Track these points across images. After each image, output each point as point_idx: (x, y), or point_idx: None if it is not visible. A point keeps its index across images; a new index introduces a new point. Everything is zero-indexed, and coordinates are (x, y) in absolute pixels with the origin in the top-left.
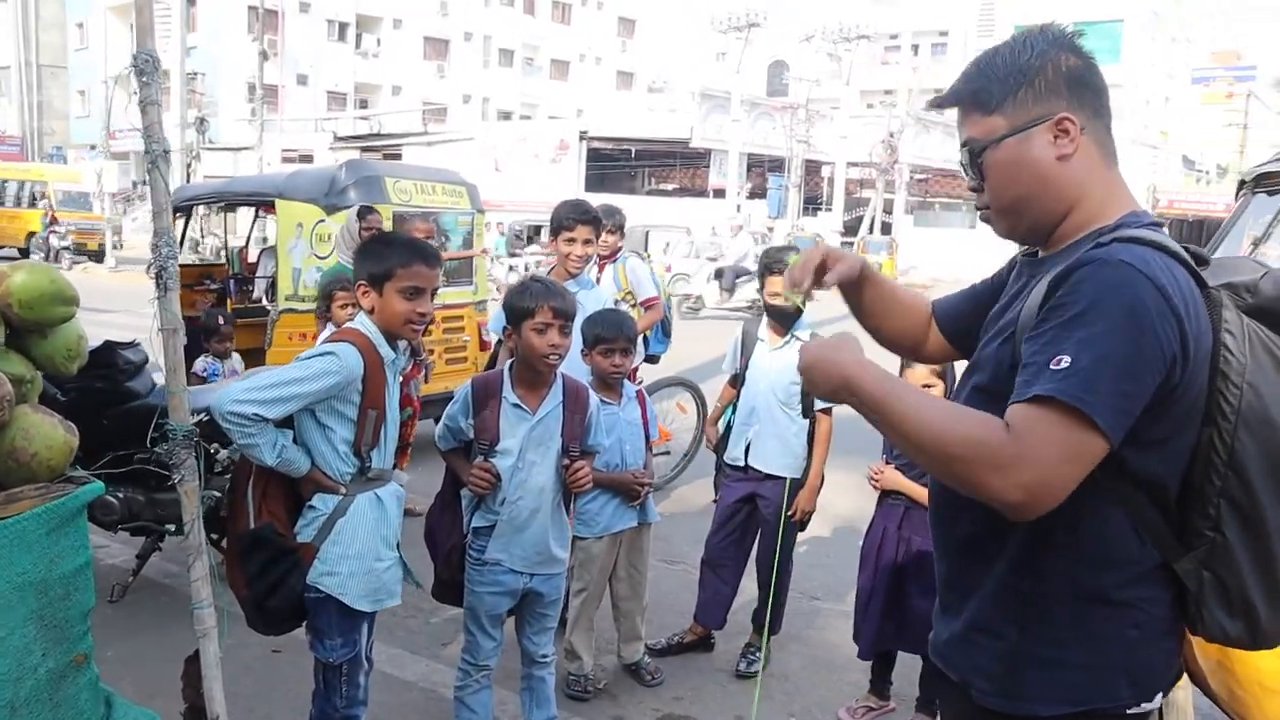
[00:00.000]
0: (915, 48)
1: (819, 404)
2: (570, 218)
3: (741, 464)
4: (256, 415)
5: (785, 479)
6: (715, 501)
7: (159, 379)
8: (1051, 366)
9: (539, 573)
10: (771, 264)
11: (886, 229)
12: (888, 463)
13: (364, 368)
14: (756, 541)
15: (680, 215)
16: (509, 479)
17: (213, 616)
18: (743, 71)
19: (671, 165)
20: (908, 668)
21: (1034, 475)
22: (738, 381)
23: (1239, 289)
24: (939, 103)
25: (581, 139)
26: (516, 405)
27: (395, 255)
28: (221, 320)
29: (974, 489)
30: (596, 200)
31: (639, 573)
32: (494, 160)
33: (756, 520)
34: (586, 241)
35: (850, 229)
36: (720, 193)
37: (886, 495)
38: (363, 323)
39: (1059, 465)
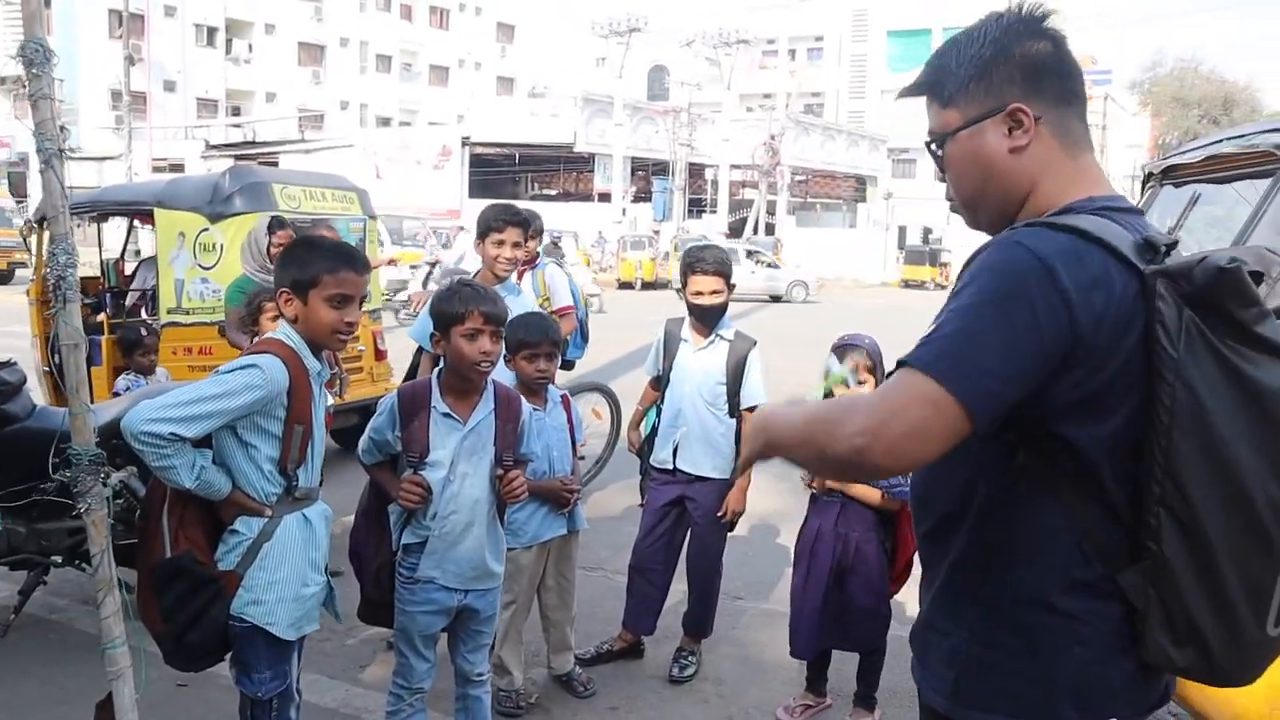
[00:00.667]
0: (792, 52)
1: (745, 402)
2: (500, 219)
3: (669, 466)
4: (173, 435)
5: (715, 480)
6: (641, 506)
7: (39, 399)
8: (927, 336)
9: (474, 589)
10: (694, 262)
11: (770, 230)
12: None
13: (289, 380)
14: (685, 544)
15: (566, 220)
16: (440, 492)
17: (127, 656)
18: (624, 76)
19: (555, 170)
20: (841, 662)
21: (876, 420)
22: (659, 383)
23: (1176, 277)
24: (905, 93)
25: (464, 145)
26: (447, 415)
27: (321, 261)
28: (144, 332)
29: (838, 456)
30: (479, 207)
31: (568, 581)
32: (375, 167)
33: (685, 523)
34: (515, 244)
35: (735, 230)
36: (606, 196)
37: (822, 493)
38: (285, 333)
39: (914, 422)
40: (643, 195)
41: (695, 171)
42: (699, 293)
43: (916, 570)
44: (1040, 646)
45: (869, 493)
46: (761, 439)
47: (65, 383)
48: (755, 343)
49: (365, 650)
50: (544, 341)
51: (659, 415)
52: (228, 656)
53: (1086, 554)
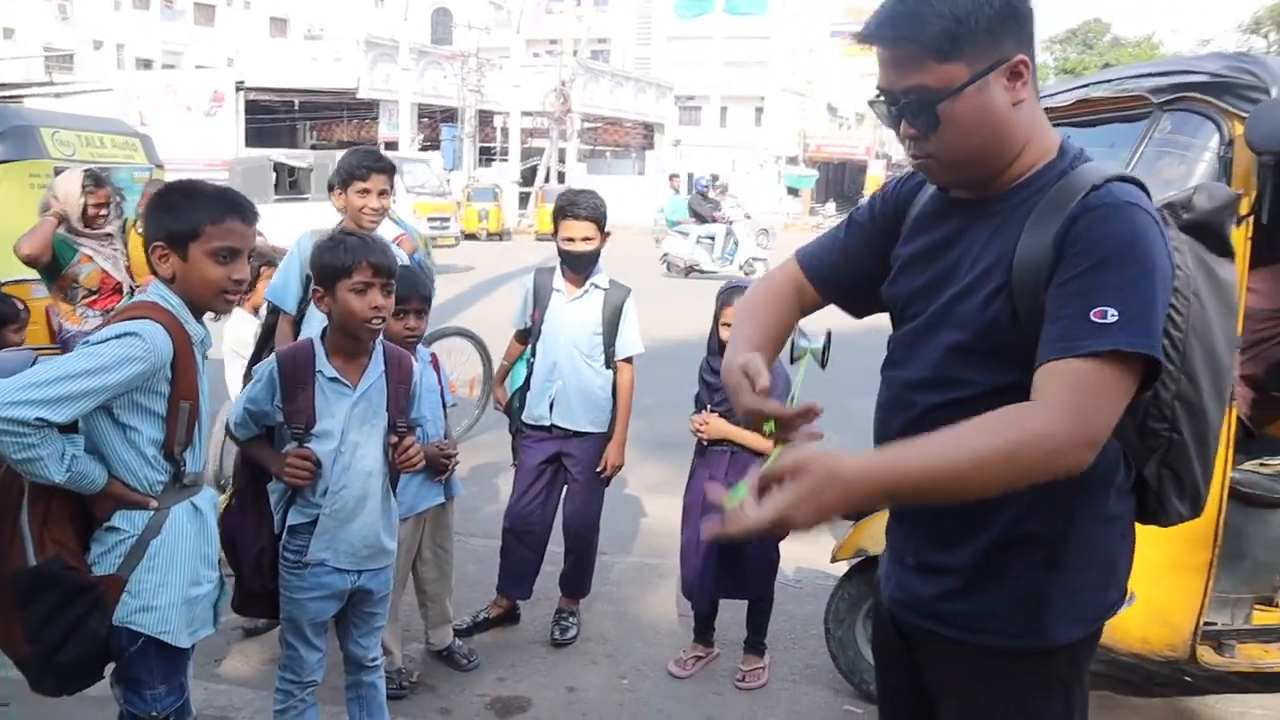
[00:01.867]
0: None
1: (621, 352)
2: (364, 165)
3: (546, 423)
4: (40, 420)
5: (594, 434)
6: (514, 465)
7: None
8: (1094, 318)
9: (367, 568)
10: (566, 207)
11: (561, 178)
12: (711, 410)
13: (173, 350)
14: (562, 502)
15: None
16: (331, 465)
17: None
18: (409, 19)
19: (338, 117)
20: (723, 610)
21: (1097, 431)
22: (527, 336)
23: (1175, 208)
24: (875, 38)
25: (238, 90)
26: (335, 380)
27: (204, 209)
28: (20, 305)
29: (1051, 476)
30: (255, 157)
31: (445, 552)
32: (139, 113)
33: (560, 480)
34: (382, 193)
35: (526, 179)
36: (392, 145)
37: (711, 444)
38: (160, 294)
39: (1113, 412)
40: (431, 144)
41: (485, 119)
42: (571, 239)
43: None
44: (1105, 553)
45: (761, 441)
46: (860, 497)
47: None
48: (630, 290)
49: (218, 642)
50: (413, 297)
51: (529, 370)
52: (108, 674)
53: (1127, 463)
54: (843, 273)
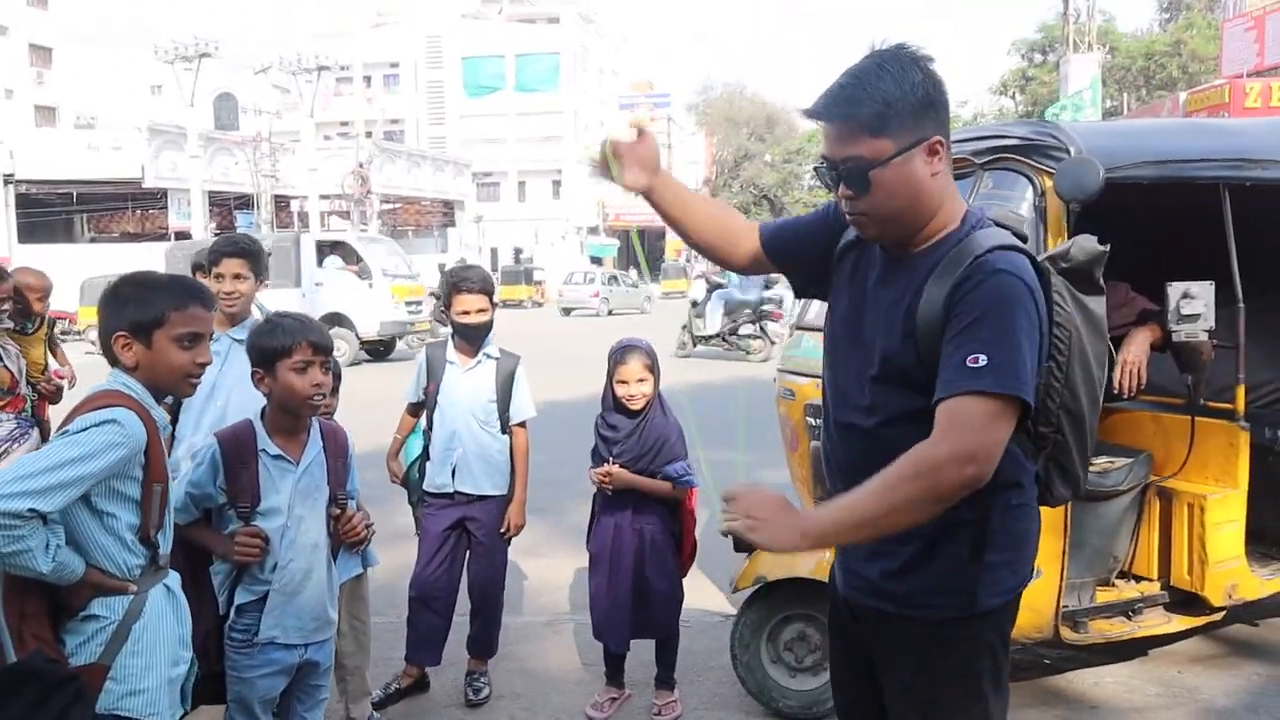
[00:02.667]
0: (368, 79)
1: (515, 417)
2: (216, 251)
3: (449, 490)
4: (32, 511)
5: (496, 496)
6: (418, 534)
7: None
8: (969, 364)
9: (314, 640)
10: (459, 282)
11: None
12: (612, 462)
13: (146, 435)
14: (466, 566)
15: (137, 262)
16: (279, 540)
17: None
18: (193, 105)
19: (121, 208)
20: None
21: (972, 449)
22: (419, 409)
23: (1056, 259)
24: (823, 115)
25: (8, 183)
26: (279, 457)
27: (165, 298)
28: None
29: (953, 495)
30: (32, 252)
31: (362, 624)
32: None
33: (464, 545)
34: (237, 276)
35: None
36: (184, 234)
37: (613, 493)
38: (123, 382)
39: (999, 440)
40: (225, 230)
41: (281, 203)
42: (466, 312)
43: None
44: (1018, 536)
45: (661, 486)
46: (798, 542)
47: None
48: (519, 358)
49: None
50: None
51: (426, 441)
52: None
53: (1026, 461)
54: (788, 242)
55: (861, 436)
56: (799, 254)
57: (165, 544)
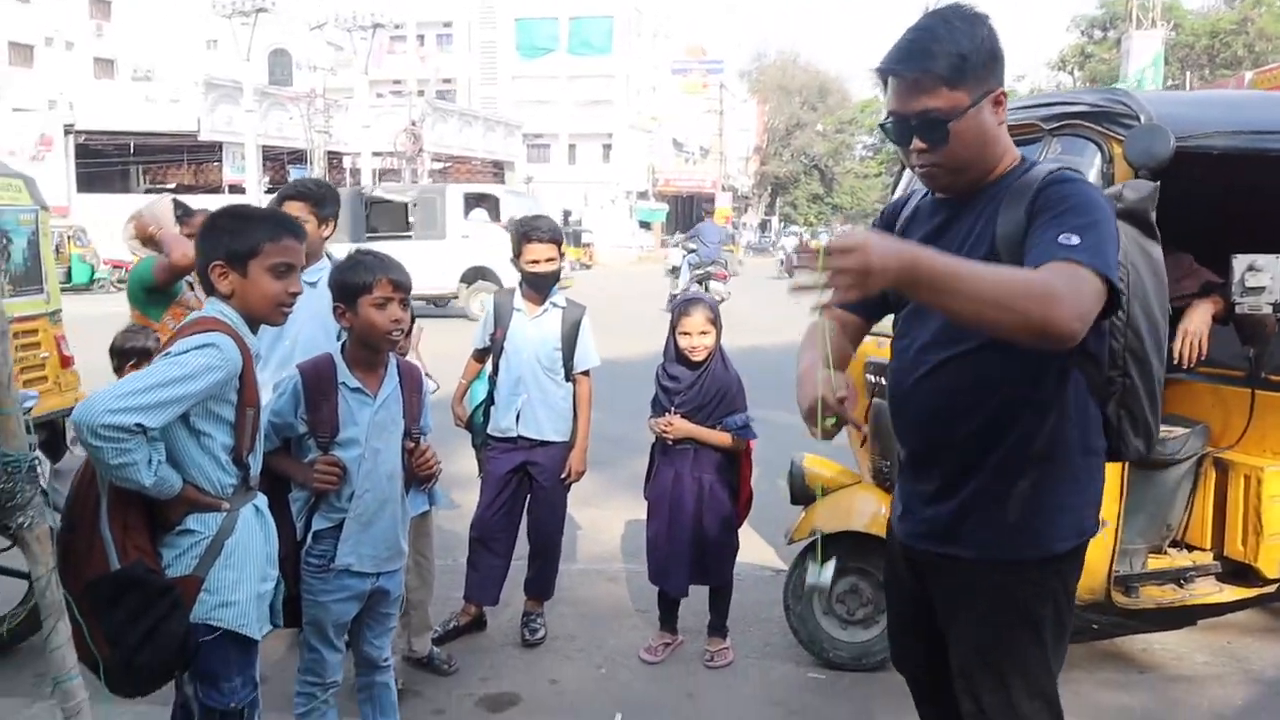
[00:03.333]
0: (421, 38)
1: (579, 366)
2: (281, 194)
3: (512, 434)
4: (138, 426)
5: (558, 443)
6: (481, 477)
7: None
8: (1061, 240)
9: (385, 570)
10: (529, 231)
11: None
12: (673, 413)
13: (241, 360)
14: (527, 510)
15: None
16: (355, 470)
17: (83, 688)
18: (250, 60)
19: (177, 161)
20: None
21: (1085, 308)
22: (484, 356)
23: (1110, 199)
24: (897, 68)
25: (68, 133)
26: (357, 390)
27: (260, 229)
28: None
29: (1042, 322)
30: (90, 202)
31: (427, 560)
32: None
33: (525, 490)
34: (297, 220)
35: None
36: (238, 188)
37: (675, 443)
38: (219, 310)
39: (1093, 305)
40: (280, 186)
41: (334, 160)
42: (535, 260)
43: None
44: (1086, 480)
45: (721, 437)
46: (902, 263)
47: None
48: (585, 308)
49: None
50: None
51: (490, 386)
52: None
53: (1094, 403)
54: (876, 310)
55: (937, 370)
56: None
57: (255, 466)
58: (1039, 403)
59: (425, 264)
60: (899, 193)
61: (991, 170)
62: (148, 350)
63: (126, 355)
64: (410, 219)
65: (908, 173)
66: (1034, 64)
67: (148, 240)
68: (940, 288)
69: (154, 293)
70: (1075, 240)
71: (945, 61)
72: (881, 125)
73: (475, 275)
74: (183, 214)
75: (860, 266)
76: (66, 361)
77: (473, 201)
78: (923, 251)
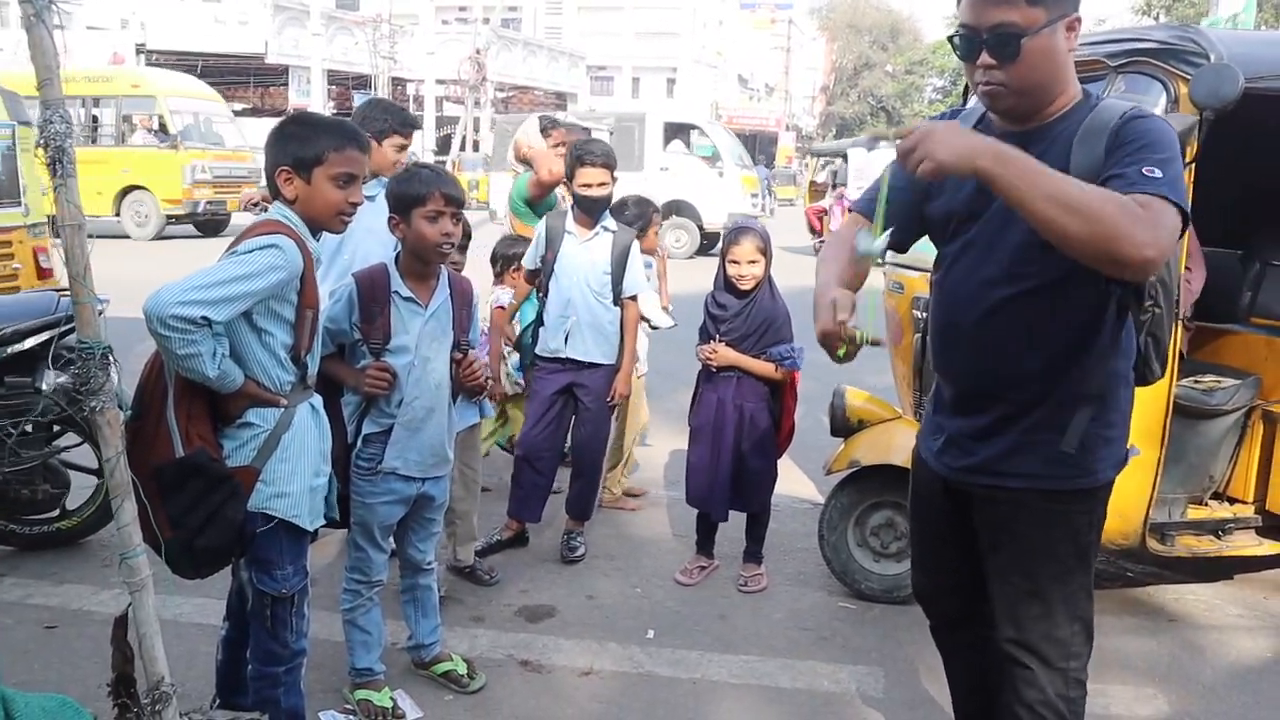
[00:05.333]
0: None
1: (627, 291)
2: (406, 125)
3: (561, 355)
4: (204, 319)
5: (604, 365)
6: (527, 396)
7: None
8: (1145, 173)
9: (431, 475)
10: (583, 155)
11: (476, 146)
12: (720, 340)
13: (302, 262)
14: (572, 429)
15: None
16: (405, 377)
17: (146, 565)
18: None
19: (243, 83)
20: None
21: (1163, 242)
22: (535, 277)
23: None
24: None
25: (139, 53)
26: (409, 299)
27: (326, 137)
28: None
29: (1120, 242)
30: None
31: (473, 471)
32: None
33: (570, 410)
34: (401, 149)
35: (441, 147)
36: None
37: (720, 370)
38: (283, 214)
39: (1172, 238)
40: (343, 110)
41: (398, 86)
42: (588, 184)
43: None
44: (1126, 410)
45: (764, 367)
46: (983, 152)
47: (69, 268)
48: (636, 234)
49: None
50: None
51: (540, 307)
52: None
53: (1132, 334)
54: (911, 227)
55: (1003, 308)
56: (904, 214)
57: (313, 365)
58: (1098, 340)
59: (620, 193)
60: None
61: (1052, 100)
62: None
63: (508, 261)
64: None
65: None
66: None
67: (523, 159)
68: (1020, 182)
69: (531, 204)
70: (1159, 174)
71: None
72: (949, 38)
73: (671, 210)
74: (549, 125)
75: (930, 153)
76: (44, 274)
77: (672, 132)
78: (1005, 146)
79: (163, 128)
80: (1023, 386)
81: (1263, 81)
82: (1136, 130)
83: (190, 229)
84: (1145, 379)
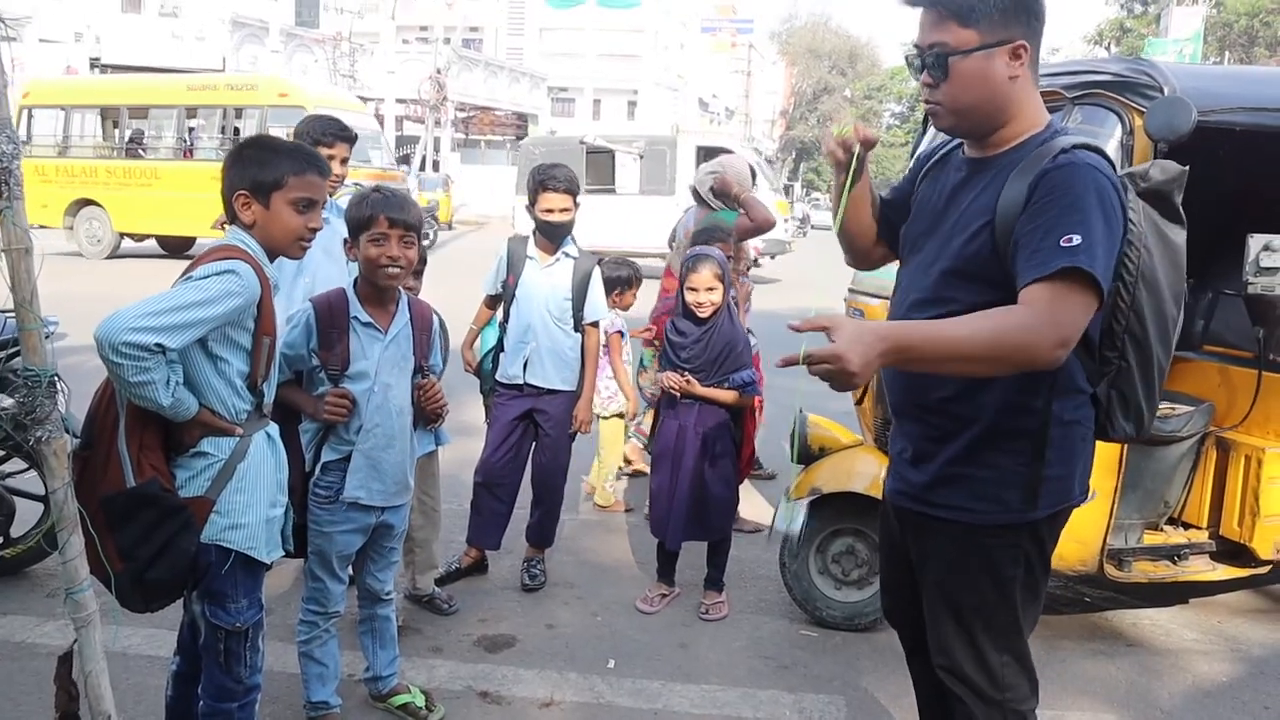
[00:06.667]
0: None
1: (588, 317)
2: (329, 134)
3: (519, 381)
4: (158, 345)
5: (565, 392)
6: (487, 423)
7: None
8: (1062, 244)
9: (392, 504)
10: (545, 180)
11: (436, 166)
12: (681, 372)
13: (260, 288)
14: (532, 456)
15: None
16: (365, 404)
17: (93, 600)
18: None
19: None
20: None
21: (1067, 334)
22: (496, 302)
23: (1135, 177)
24: (916, 1)
25: (93, 67)
26: (369, 325)
27: (286, 162)
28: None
29: (1028, 365)
30: None
31: (432, 499)
32: None
33: (530, 437)
34: (344, 160)
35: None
36: None
37: (682, 397)
38: (240, 239)
39: (1079, 322)
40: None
41: None
42: (550, 210)
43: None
44: (1071, 450)
45: (726, 395)
46: (883, 348)
47: (15, 295)
48: (597, 260)
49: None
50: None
51: (500, 333)
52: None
53: (1088, 380)
54: (891, 206)
55: None
56: (898, 214)
57: (269, 393)
58: (1018, 377)
59: (649, 220)
60: (923, 146)
61: (1001, 125)
62: (629, 279)
63: (611, 284)
64: (621, 172)
65: (930, 132)
66: (1070, 38)
67: (724, 194)
68: (926, 359)
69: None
70: (1076, 240)
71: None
72: (906, 56)
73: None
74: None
75: (841, 372)
76: None
77: (703, 155)
78: (900, 333)
79: None
80: (939, 411)
81: (1214, 115)
82: (1054, 183)
83: None
84: (1107, 434)
